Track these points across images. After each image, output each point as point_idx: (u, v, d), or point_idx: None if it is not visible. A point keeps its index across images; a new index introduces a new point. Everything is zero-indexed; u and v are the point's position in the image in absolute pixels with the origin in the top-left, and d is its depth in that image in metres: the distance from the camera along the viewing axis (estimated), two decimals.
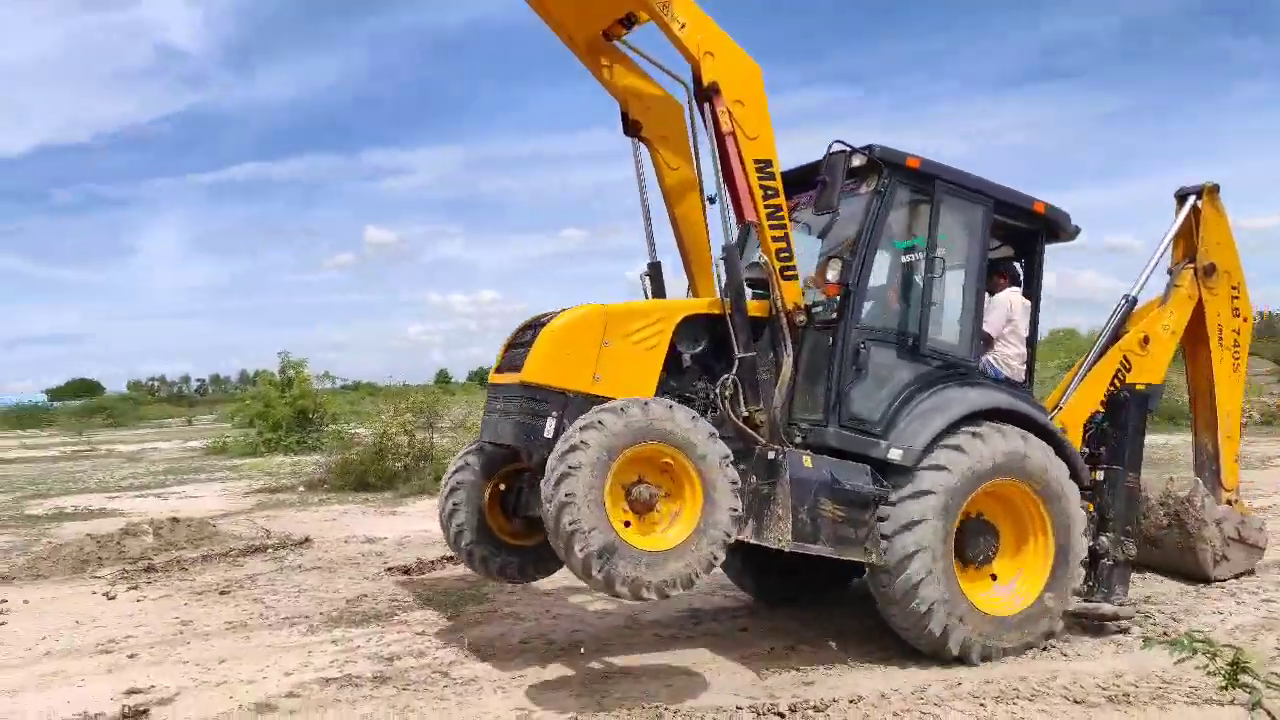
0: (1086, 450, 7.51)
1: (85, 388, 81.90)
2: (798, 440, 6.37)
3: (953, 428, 6.37)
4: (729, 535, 5.48)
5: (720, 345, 6.32)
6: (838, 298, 6.44)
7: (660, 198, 7.12)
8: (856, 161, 6.48)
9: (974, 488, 6.32)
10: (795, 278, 6.39)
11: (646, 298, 7.25)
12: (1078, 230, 7.59)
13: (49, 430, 50.95)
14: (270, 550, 11.34)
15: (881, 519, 6.18)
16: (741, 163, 6.21)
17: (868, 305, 6.72)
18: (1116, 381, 7.95)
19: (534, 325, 6.31)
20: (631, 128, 6.98)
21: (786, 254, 6.35)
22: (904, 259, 7.01)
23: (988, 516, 6.65)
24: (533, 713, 5.63)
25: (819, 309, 6.51)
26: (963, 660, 6.24)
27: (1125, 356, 8.10)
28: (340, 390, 40.12)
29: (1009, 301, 7.38)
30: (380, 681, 6.30)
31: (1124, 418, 7.45)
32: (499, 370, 6.53)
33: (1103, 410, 7.76)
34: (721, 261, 6.33)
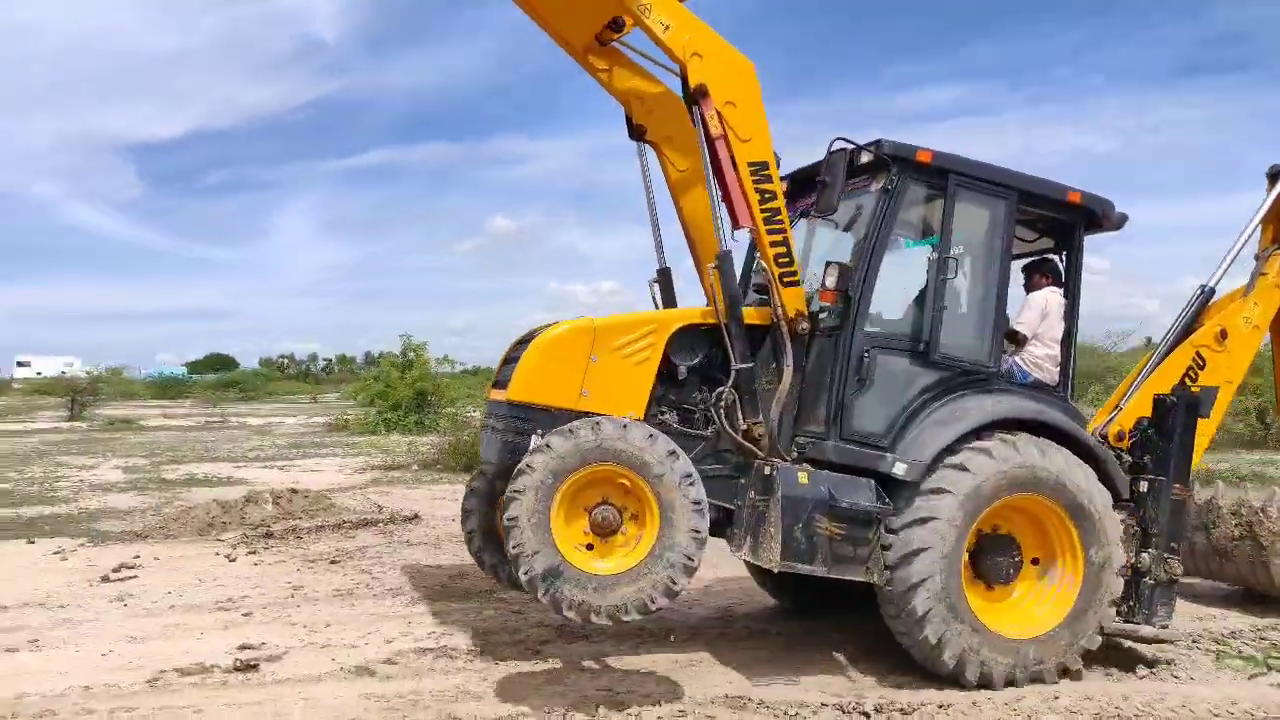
0: (1129, 459, 6.83)
1: (221, 362, 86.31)
2: (796, 454, 6.13)
3: (962, 440, 5.95)
4: (690, 559, 5.25)
5: (722, 355, 6.12)
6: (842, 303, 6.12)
7: (668, 203, 6.98)
8: (866, 158, 6.18)
9: (984, 507, 5.89)
10: (796, 284, 6.14)
11: (656, 306, 7.02)
12: (1124, 218, 6.90)
13: (187, 401, 53.90)
14: (381, 525, 11.78)
15: (885, 546, 5.84)
16: (735, 166, 5.97)
17: (874, 310, 6.32)
18: (1188, 380, 7.25)
19: (527, 339, 6.23)
20: (636, 131, 6.87)
21: (786, 259, 6.09)
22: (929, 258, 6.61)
23: (1011, 532, 6.22)
24: (618, 694, 5.70)
25: (825, 315, 6.19)
26: (985, 687, 5.83)
27: (1198, 353, 7.29)
28: (459, 375, 41.26)
29: (1045, 300, 6.87)
30: (474, 654, 6.49)
31: (1170, 424, 6.65)
32: (494, 386, 6.52)
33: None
34: (714, 270, 6.05)
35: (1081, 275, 6.90)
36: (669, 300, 7.03)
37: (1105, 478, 6.28)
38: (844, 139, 6.13)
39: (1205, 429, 7.09)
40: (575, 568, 5.21)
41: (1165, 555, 6.46)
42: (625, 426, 5.37)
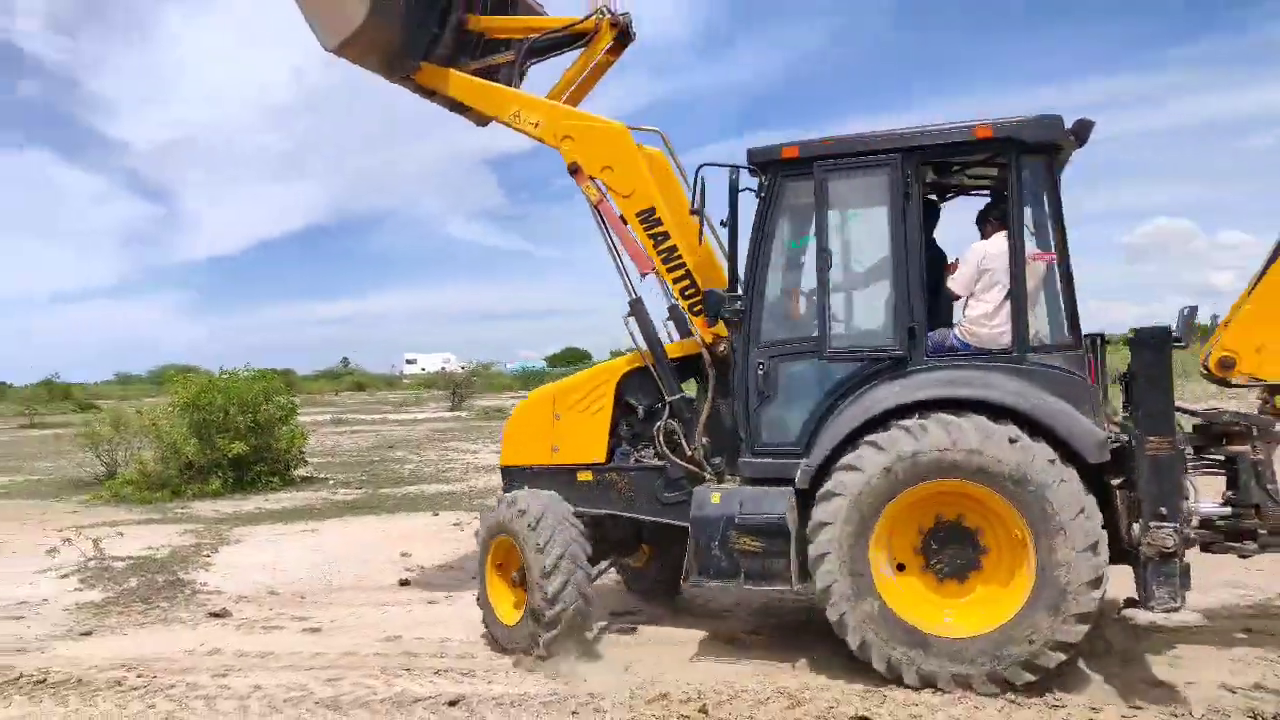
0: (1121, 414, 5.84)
1: (576, 356, 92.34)
2: (714, 472, 6.46)
3: (853, 437, 5.66)
4: (542, 615, 6.09)
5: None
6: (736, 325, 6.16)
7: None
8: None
9: (883, 504, 5.51)
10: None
11: (634, 343, 6.87)
12: (1083, 128, 5.68)
13: None
14: None
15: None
16: (624, 221, 6.71)
17: (766, 320, 6.18)
18: None
19: None
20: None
21: (691, 290, 6.59)
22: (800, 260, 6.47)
23: (969, 523, 5.59)
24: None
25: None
26: (896, 683, 5.50)
27: None
28: None
29: (982, 251, 5.95)
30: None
31: (1139, 365, 5.38)
32: None
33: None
34: (627, 318, 6.75)
35: (1028, 211, 5.93)
36: (648, 331, 6.81)
37: (1060, 444, 5.37)
38: (710, 164, 6.16)
39: None
40: (500, 622, 6.59)
41: (1151, 524, 5.21)
42: (514, 501, 6.51)
